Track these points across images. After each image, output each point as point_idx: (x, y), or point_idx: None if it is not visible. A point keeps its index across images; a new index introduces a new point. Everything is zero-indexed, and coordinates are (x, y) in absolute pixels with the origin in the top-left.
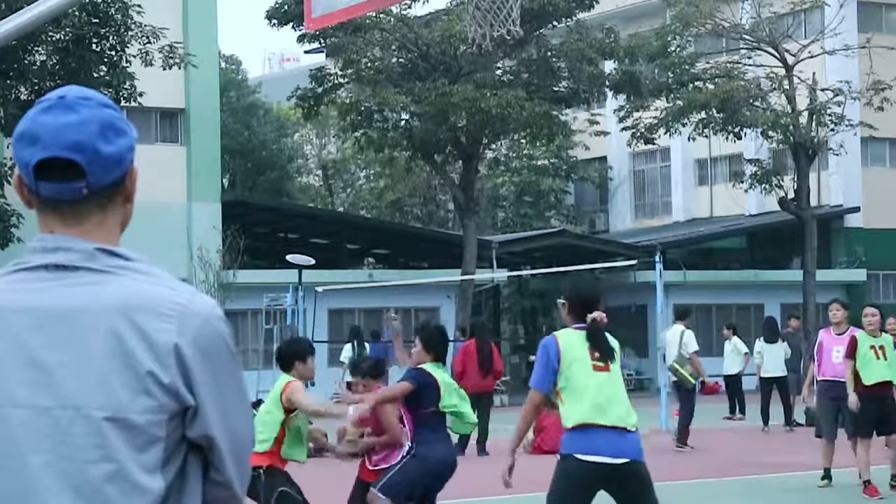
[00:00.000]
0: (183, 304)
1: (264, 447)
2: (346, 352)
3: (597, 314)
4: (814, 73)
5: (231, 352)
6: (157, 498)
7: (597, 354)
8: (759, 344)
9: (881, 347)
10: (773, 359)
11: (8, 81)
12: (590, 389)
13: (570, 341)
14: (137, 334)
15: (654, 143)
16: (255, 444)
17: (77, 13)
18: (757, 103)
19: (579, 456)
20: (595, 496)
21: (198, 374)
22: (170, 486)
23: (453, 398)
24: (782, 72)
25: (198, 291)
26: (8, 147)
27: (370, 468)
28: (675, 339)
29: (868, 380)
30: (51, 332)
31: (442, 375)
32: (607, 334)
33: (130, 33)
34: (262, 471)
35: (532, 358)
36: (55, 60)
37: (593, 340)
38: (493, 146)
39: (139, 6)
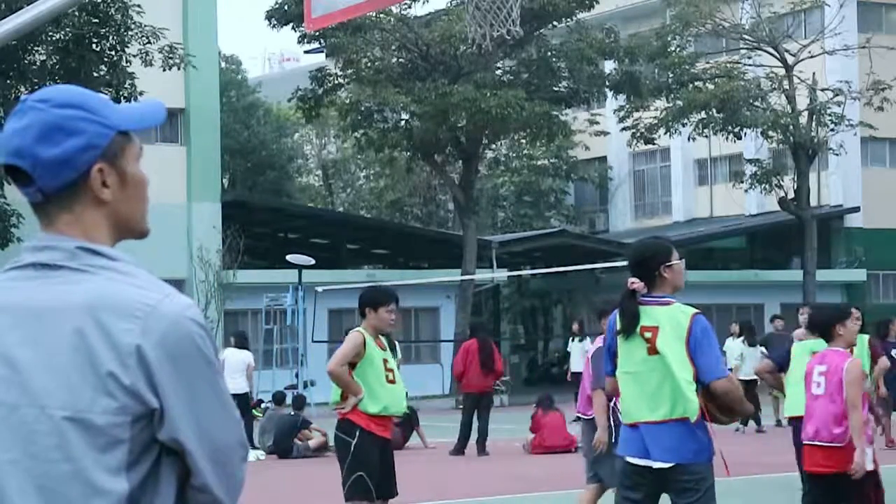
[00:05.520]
0: (151, 306)
1: None
2: None
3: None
4: (814, 73)
5: (204, 355)
6: (120, 499)
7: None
8: (740, 346)
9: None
10: (752, 362)
11: (8, 81)
12: None
13: None
14: (101, 334)
15: (654, 143)
16: None
17: (77, 13)
18: (757, 103)
19: None
20: None
21: (163, 377)
22: (140, 488)
23: None
24: (782, 72)
25: (176, 293)
26: None
27: None
28: None
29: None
30: (25, 330)
31: None
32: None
33: (130, 33)
34: None
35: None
36: (55, 60)
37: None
38: (493, 146)
39: (139, 6)
